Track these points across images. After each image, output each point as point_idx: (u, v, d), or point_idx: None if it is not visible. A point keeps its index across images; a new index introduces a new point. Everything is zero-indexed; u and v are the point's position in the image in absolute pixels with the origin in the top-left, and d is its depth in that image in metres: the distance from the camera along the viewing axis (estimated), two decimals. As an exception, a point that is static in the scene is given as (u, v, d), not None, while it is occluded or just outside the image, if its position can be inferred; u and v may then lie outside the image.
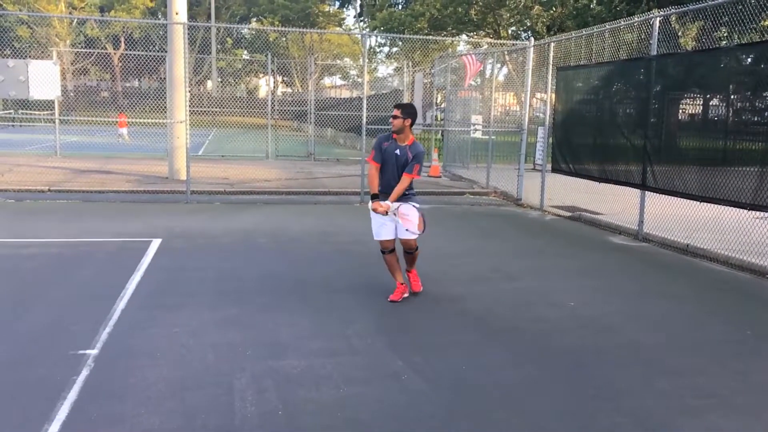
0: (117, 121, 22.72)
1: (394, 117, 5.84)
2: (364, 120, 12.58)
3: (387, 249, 6.02)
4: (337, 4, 56.93)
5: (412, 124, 5.92)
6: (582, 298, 6.28)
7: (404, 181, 5.87)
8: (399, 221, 5.88)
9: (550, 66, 11.97)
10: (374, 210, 5.85)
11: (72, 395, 3.86)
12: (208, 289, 6.16)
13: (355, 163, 17.27)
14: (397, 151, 5.89)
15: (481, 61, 16.05)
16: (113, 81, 46.53)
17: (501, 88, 23.08)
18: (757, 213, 7.36)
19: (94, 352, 4.54)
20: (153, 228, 8.93)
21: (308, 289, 6.29)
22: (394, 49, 45.80)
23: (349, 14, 60.29)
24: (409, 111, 5.89)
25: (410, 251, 6.13)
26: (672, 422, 3.79)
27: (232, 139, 23.93)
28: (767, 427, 3.79)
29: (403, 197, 5.94)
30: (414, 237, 5.98)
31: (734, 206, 7.55)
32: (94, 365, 4.32)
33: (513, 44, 17.47)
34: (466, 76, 16.05)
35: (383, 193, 5.91)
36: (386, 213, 5.84)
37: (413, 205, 5.99)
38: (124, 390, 3.97)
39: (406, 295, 6.03)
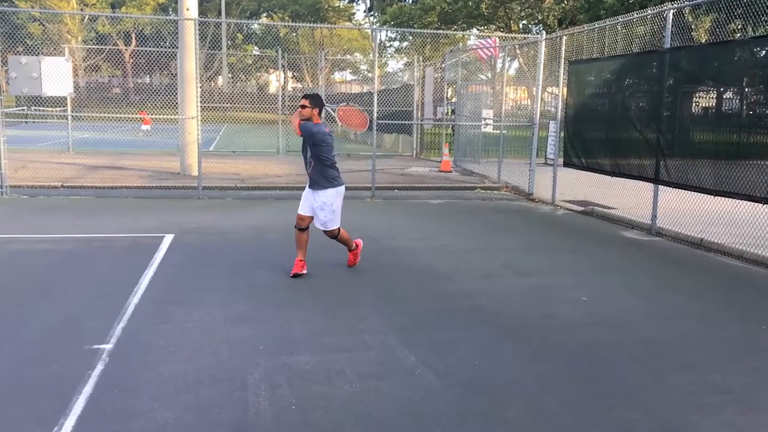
0: (141, 118, 23.49)
1: (303, 107, 6.37)
2: (375, 115, 12.56)
3: (299, 226, 6.54)
4: (347, -2, 56.84)
5: (320, 113, 6.45)
6: (595, 294, 6.25)
7: None
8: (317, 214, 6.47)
9: (562, 60, 11.89)
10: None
11: (87, 389, 3.90)
12: (220, 285, 6.19)
13: (365, 158, 17.27)
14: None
15: (494, 40, 15.87)
16: (124, 77, 46.76)
17: (512, 83, 23.00)
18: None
19: (108, 347, 4.57)
20: (165, 224, 8.98)
21: (320, 284, 6.30)
22: (405, 44, 45.69)
23: (359, 9, 60.19)
24: (317, 101, 6.41)
25: (333, 237, 6.69)
26: (687, 418, 3.77)
27: (243, 134, 23.97)
28: (783, 424, 3.76)
29: (326, 182, 6.40)
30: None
31: (748, 200, 7.48)
32: (109, 360, 4.35)
33: (524, 38, 17.36)
34: (482, 59, 15.86)
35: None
36: None
37: (332, 194, 6.44)
38: (138, 385, 4.00)
39: (304, 271, 6.48)
